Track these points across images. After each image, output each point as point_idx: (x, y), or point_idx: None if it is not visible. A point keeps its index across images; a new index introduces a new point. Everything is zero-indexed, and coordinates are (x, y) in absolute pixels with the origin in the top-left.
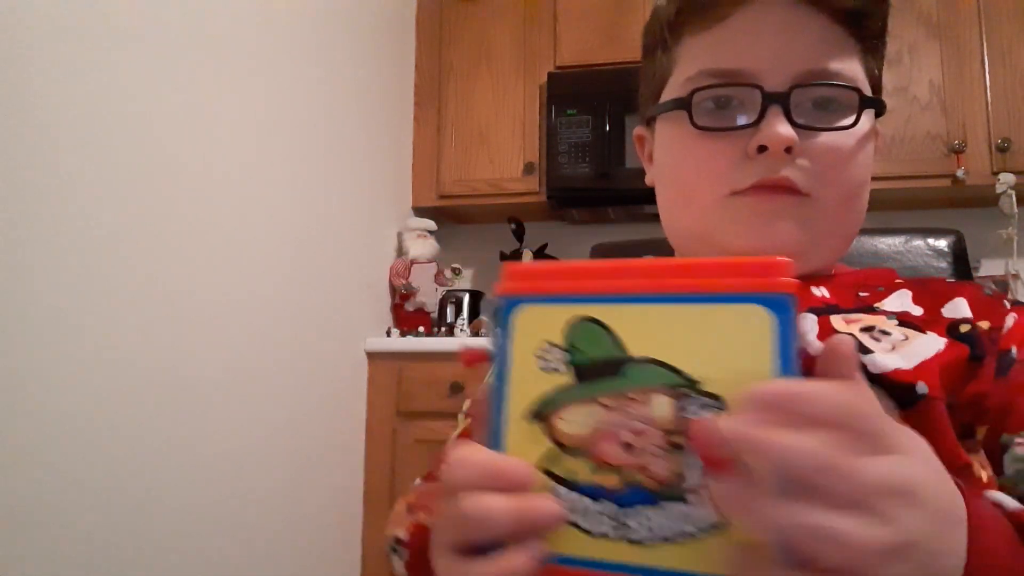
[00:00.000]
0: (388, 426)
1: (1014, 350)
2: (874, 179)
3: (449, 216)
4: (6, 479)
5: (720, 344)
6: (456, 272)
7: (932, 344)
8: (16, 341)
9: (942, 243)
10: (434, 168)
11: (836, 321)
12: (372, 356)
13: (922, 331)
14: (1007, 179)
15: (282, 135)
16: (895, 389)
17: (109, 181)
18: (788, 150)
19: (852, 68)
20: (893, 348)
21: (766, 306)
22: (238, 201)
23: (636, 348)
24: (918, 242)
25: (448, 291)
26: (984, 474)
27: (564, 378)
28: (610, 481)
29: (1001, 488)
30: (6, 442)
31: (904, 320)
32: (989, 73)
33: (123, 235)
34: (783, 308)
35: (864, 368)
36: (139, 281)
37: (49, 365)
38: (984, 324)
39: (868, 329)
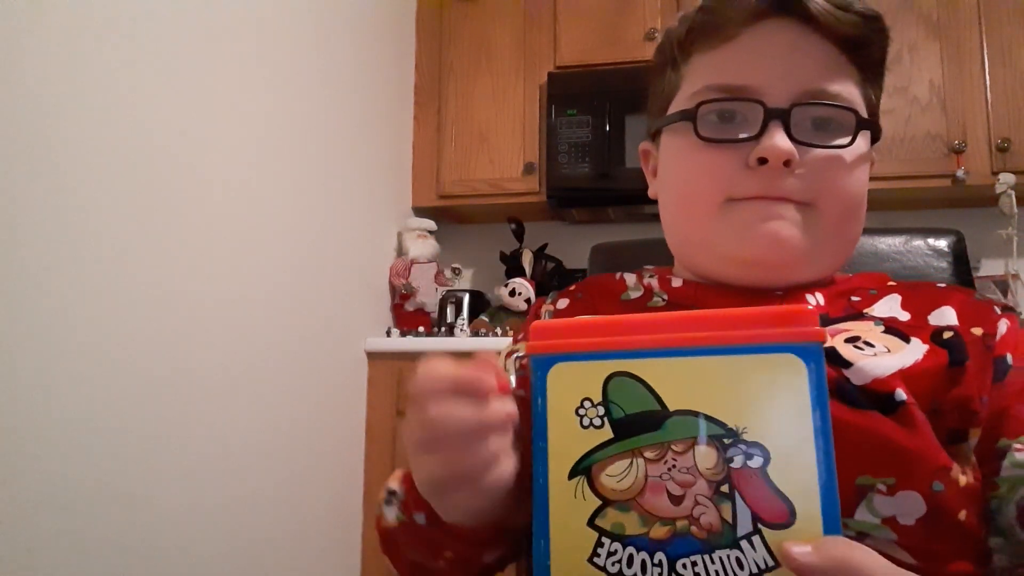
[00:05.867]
0: (388, 426)
1: (1009, 357)
2: (874, 179)
3: (449, 216)
4: (4, 480)
5: (757, 393)
6: (456, 272)
7: (912, 353)
8: (15, 341)
9: (942, 243)
10: (434, 168)
11: None
12: (372, 356)
13: (906, 338)
14: (1007, 179)
15: (282, 135)
16: (876, 397)
17: (107, 180)
18: (787, 164)
19: (850, 91)
20: (874, 356)
21: (798, 355)
22: (238, 201)
23: (674, 401)
24: (918, 242)
25: (448, 291)
26: (964, 479)
27: (605, 434)
28: (659, 532)
29: (990, 492)
30: (4, 443)
31: (890, 326)
32: (989, 73)
33: (121, 235)
34: (815, 356)
35: (847, 380)
36: (138, 281)
37: (48, 364)
38: (977, 330)
39: (852, 340)
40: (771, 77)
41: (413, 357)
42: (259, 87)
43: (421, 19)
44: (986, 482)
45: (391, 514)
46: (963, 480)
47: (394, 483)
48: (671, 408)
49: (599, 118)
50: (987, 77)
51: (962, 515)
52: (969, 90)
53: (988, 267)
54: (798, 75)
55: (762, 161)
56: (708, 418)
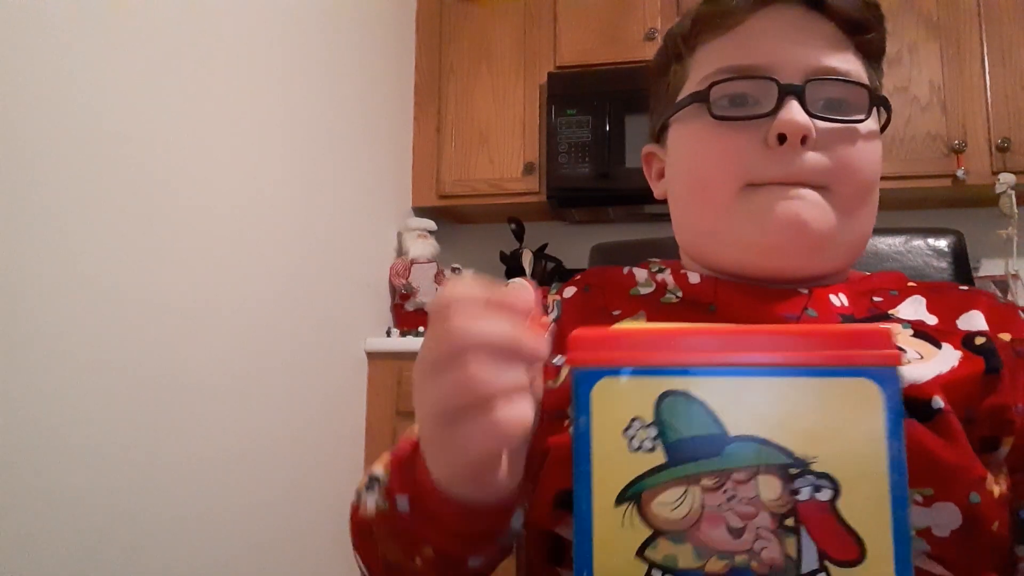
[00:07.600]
0: (388, 426)
1: None
2: None
3: (449, 216)
4: (2, 485)
5: (827, 420)
6: (456, 272)
7: (947, 359)
8: (13, 345)
9: (942, 243)
10: (434, 168)
11: None
12: (372, 356)
13: (937, 343)
14: (1007, 179)
15: (282, 135)
16: (912, 404)
17: (107, 182)
18: (804, 141)
19: (859, 70)
20: (908, 363)
21: (874, 380)
22: (238, 201)
23: (736, 425)
24: (918, 242)
25: None
26: (997, 489)
27: (657, 458)
28: (716, 567)
29: (1020, 501)
30: (2, 447)
31: (919, 329)
32: (989, 73)
33: (120, 235)
34: (891, 381)
35: None
36: (138, 282)
37: (45, 368)
38: (1005, 335)
39: None
40: (781, 56)
41: (413, 357)
42: (259, 87)
43: (421, 19)
44: (1016, 491)
45: (371, 502)
46: (997, 490)
47: (378, 468)
48: (732, 433)
49: (599, 118)
50: (987, 77)
51: (995, 525)
52: (969, 90)
53: (988, 267)
54: (808, 53)
55: (781, 139)
56: (773, 445)
